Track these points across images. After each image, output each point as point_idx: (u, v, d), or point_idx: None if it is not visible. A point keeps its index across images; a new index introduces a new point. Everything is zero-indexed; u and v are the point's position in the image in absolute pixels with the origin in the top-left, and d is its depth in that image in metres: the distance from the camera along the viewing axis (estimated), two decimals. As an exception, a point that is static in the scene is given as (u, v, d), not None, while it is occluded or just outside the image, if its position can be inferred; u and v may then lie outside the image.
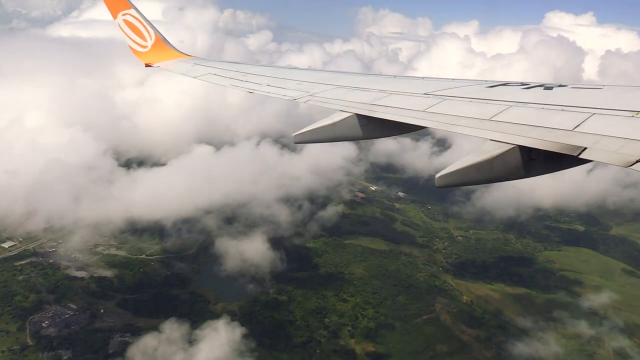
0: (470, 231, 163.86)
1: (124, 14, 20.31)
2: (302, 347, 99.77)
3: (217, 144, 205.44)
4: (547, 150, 6.68)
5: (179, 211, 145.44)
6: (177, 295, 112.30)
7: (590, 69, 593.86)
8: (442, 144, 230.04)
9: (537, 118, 7.71)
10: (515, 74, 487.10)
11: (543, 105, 8.23)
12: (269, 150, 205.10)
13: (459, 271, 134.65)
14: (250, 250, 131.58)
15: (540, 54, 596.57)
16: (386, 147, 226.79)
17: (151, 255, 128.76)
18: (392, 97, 10.87)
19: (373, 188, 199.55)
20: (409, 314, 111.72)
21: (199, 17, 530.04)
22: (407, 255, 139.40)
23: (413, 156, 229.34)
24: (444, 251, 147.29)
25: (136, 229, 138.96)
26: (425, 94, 10.51)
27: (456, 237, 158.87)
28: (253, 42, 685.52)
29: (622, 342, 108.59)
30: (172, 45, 21.73)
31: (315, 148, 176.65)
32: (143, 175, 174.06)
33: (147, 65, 21.12)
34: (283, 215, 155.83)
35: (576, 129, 6.88)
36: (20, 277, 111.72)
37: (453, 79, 11.69)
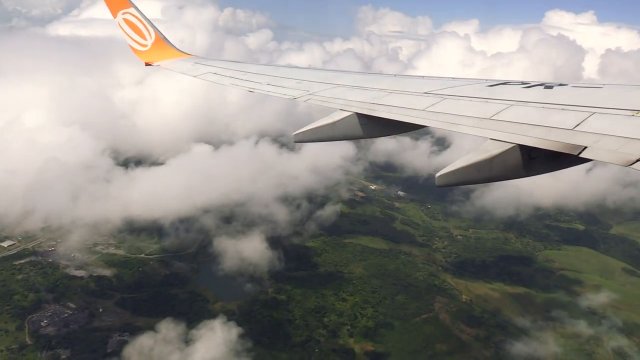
0: (470, 230, 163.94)
1: (124, 13, 20.30)
2: (301, 347, 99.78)
3: (216, 143, 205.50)
4: (547, 150, 6.66)
5: (177, 210, 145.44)
6: (176, 295, 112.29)
7: (590, 68, 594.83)
8: (442, 143, 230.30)
9: (537, 117, 7.70)
10: (515, 73, 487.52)
11: (543, 104, 8.21)
12: (268, 150, 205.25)
13: (459, 270, 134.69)
14: (249, 250, 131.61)
15: (540, 53, 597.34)
16: (385, 146, 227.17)
17: (150, 255, 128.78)
18: (392, 96, 10.86)
19: (373, 187, 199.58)
20: (408, 313, 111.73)
21: (199, 15, 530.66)
22: (406, 255, 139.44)
23: (412, 155, 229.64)
24: (443, 250, 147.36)
25: (135, 228, 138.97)
26: (425, 93, 10.50)
27: (456, 236, 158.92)
28: (253, 41, 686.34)
29: (621, 341, 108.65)
30: (172, 44, 21.72)
31: (314, 147, 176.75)
32: (141, 175, 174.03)
33: (147, 64, 21.11)
34: (282, 214, 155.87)
35: (576, 128, 6.87)
36: (19, 276, 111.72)
37: (453, 78, 11.68)
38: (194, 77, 17.95)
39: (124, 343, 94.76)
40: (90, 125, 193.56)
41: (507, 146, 6.95)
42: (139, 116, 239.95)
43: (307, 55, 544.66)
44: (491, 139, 7.27)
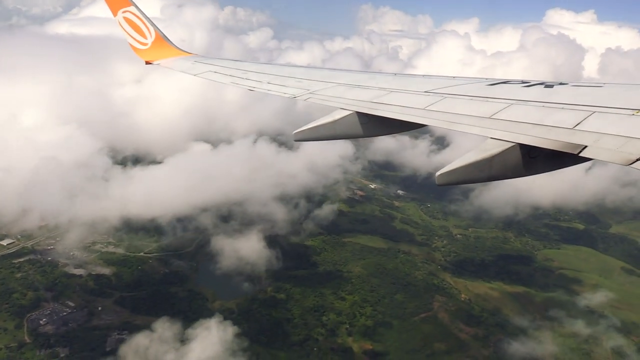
0: (470, 229, 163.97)
1: (124, 12, 20.29)
2: (300, 345, 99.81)
3: (215, 142, 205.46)
4: (547, 149, 6.67)
5: (176, 209, 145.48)
6: (175, 293, 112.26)
7: (590, 67, 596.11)
8: (441, 142, 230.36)
9: (537, 116, 7.70)
10: (515, 72, 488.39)
11: (543, 104, 8.23)
12: (266, 149, 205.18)
13: (458, 269, 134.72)
14: (248, 249, 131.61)
15: (540, 52, 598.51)
16: (384, 145, 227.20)
17: (149, 253, 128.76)
18: (393, 95, 10.88)
19: (372, 186, 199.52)
20: (407, 312, 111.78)
21: (198, 14, 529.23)
22: (405, 254, 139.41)
23: (412, 154, 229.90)
24: (442, 249, 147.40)
25: (133, 227, 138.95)
26: (425, 92, 10.51)
27: (455, 235, 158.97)
28: (253, 39, 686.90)
29: (620, 340, 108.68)
30: (172, 43, 21.70)
31: (312, 146, 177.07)
32: (139, 173, 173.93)
33: (147, 63, 21.10)
34: (281, 213, 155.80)
35: (576, 127, 6.88)
36: (19, 275, 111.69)
37: (453, 77, 11.70)
38: (194, 75, 17.95)
39: (123, 341, 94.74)
40: (88, 124, 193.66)
41: (507, 145, 6.95)
42: (137, 115, 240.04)
43: (307, 54, 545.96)
44: (491, 138, 7.28)
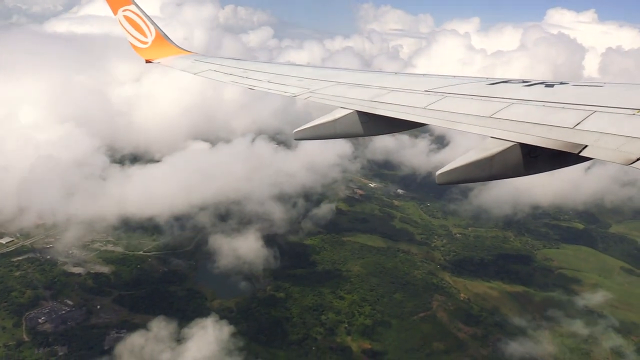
0: (469, 228, 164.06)
1: (124, 10, 20.28)
2: (299, 344, 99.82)
3: (214, 141, 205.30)
4: (548, 148, 6.66)
5: (175, 208, 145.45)
6: (173, 292, 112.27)
7: (591, 67, 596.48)
8: (441, 142, 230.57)
9: (538, 116, 7.70)
10: (515, 71, 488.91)
11: (544, 103, 8.22)
12: (264, 147, 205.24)
13: (457, 269, 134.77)
14: (247, 248, 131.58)
15: (541, 51, 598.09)
16: (384, 144, 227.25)
17: (148, 252, 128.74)
18: (393, 94, 10.87)
19: (372, 185, 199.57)
20: (406, 312, 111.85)
21: (197, 13, 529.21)
22: (405, 253, 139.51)
23: (411, 153, 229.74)
24: (442, 248, 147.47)
25: (131, 226, 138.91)
26: (425, 91, 10.51)
27: (455, 234, 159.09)
28: (253, 38, 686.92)
29: (619, 340, 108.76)
30: (172, 42, 21.71)
31: (311, 145, 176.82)
32: (137, 172, 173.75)
33: (147, 62, 21.10)
34: (280, 212, 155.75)
35: (577, 127, 6.88)
36: (17, 273, 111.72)
37: (454, 76, 11.70)
38: (194, 74, 17.96)
39: (122, 340, 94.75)
40: (86, 123, 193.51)
41: (508, 145, 6.95)
42: (135, 113, 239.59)
43: (307, 53, 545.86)
44: (492, 137, 7.27)
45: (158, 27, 21.08)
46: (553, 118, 7.42)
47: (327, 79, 13.39)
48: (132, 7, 20.29)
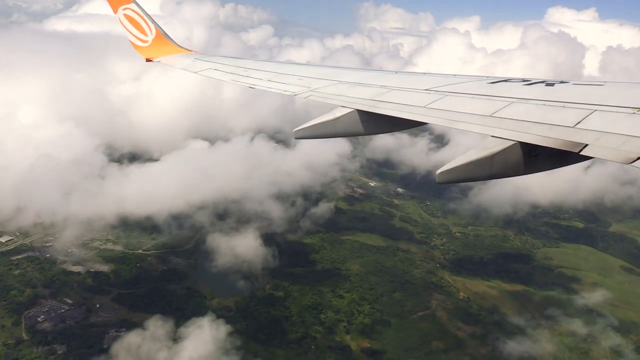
0: (469, 227, 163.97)
1: (124, 9, 20.28)
2: (298, 343, 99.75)
3: (212, 140, 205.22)
4: (548, 147, 6.68)
5: (174, 207, 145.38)
6: (173, 291, 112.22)
7: (591, 65, 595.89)
8: (440, 140, 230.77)
9: (538, 114, 7.72)
10: (515, 70, 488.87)
11: (544, 102, 8.24)
12: (263, 146, 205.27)
13: (457, 267, 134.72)
14: (247, 247, 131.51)
15: (541, 50, 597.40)
16: (383, 142, 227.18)
17: (147, 251, 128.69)
18: (393, 93, 10.89)
19: (372, 184, 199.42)
20: (405, 311, 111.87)
21: (197, 11, 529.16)
22: (404, 252, 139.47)
23: (411, 152, 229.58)
24: (441, 247, 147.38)
25: (130, 225, 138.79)
26: (426, 89, 10.52)
27: (454, 233, 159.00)
28: (254, 36, 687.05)
29: (618, 339, 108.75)
30: (172, 40, 21.71)
31: (310, 144, 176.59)
32: (136, 171, 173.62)
33: (147, 60, 21.09)
34: (279, 211, 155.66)
35: (577, 126, 6.90)
36: (17, 272, 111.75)
37: (454, 75, 11.71)
38: (195, 73, 17.97)
39: (121, 339, 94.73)
40: (85, 121, 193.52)
41: (508, 143, 6.97)
42: (134, 112, 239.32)
43: (307, 52, 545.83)
44: (492, 136, 7.29)
45: (158, 25, 21.08)
46: (553, 117, 7.44)
47: (328, 78, 13.41)
48: (133, 6, 20.30)
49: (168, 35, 21.51)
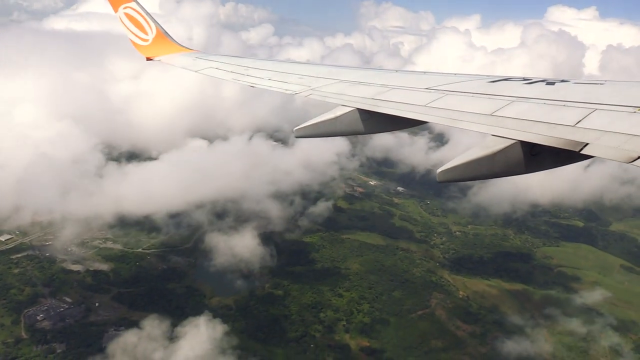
0: (469, 226, 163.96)
1: (125, 7, 20.27)
2: (297, 342, 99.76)
3: (211, 138, 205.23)
4: (549, 146, 6.67)
5: (172, 206, 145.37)
6: (172, 290, 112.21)
7: (591, 64, 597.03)
8: (440, 139, 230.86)
9: (538, 113, 7.71)
10: (516, 69, 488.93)
11: (545, 101, 8.24)
12: (262, 145, 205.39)
13: (456, 266, 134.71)
14: (246, 246, 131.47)
15: (541, 49, 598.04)
16: (383, 141, 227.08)
17: (147, 249, 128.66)
18: (394, 92, 10.88)
19: (372, 183, 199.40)
20: (404, 310, 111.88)
21: (197, 9, 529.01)
22: (404, 251, 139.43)
23: (410, 151, 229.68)
24: (441, 246, 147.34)
25: (128, 224, 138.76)
26: (426, 88, 10.52)
27: (454, 232, 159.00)
28: (254, 35, 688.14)
29: (617, 338, 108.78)
30: (173, 39, 21.71)
31: (309, 143, 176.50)
32: (135, 170, 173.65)
33: (148, 59, 21.09)
34: (277, 210, 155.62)
35: (578, 125, 6.89)
36: (16, 270, 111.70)
37: (455, 74, 11.71)
38: (195, 72, 17.97)
39: (120, 338, 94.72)
40: (84, 120, 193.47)
41: (509, 142, 6.96)
42: (133, 111, 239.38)
43: (307, 50, 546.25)
44: (492, 135, 7.28)
45: (159, 24, 21.08)
46: (554, 116, 7.44)
47: (328, 77, 13.40)
48: (133, 5, 20.30)
49: (168, 34, 21.51)
